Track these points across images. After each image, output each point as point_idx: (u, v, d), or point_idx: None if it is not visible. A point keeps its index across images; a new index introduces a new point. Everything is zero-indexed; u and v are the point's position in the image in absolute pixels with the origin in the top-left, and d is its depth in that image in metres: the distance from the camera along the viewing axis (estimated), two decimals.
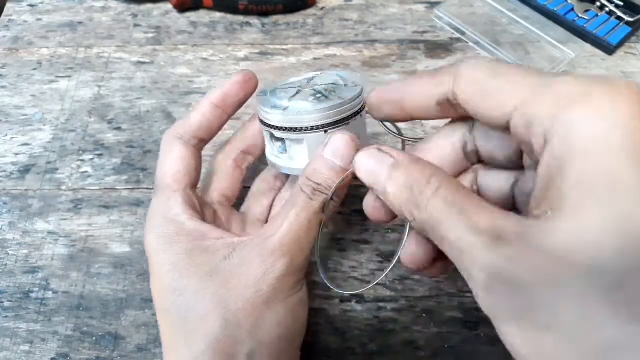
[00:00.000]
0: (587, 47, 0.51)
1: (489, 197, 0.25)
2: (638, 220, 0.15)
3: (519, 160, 0.23)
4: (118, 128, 0.48)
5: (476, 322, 0.37)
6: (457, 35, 0.53)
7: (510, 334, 0.18)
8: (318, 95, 0.30)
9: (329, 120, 0.29)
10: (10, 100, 0.50)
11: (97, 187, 0.44)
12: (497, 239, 0.18)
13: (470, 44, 0.52)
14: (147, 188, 0.44)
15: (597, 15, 0.52)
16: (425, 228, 0.21)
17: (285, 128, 0.29)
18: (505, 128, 0.20)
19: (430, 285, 0.39)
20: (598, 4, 0.53)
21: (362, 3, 0.56)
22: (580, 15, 0.52)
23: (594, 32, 0.51)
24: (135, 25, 0.55)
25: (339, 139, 0.27)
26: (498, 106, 0.19)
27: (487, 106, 0.20)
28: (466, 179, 0.26)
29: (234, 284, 0.26)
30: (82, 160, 0.46)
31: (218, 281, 0.27)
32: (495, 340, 0.36)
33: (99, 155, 0.46)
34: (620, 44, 0.51)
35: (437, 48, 0.52)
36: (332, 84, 0.31)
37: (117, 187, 0.44)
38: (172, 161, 0.31)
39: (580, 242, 0.15)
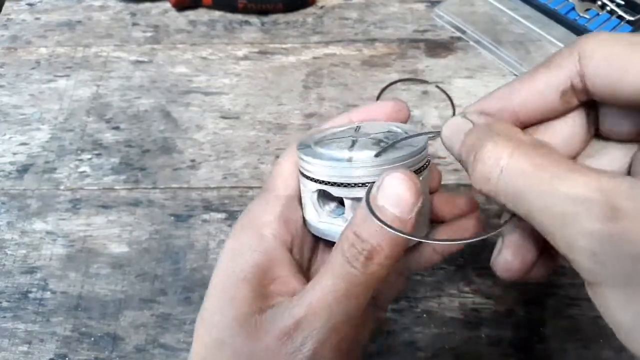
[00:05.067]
0: None
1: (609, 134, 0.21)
2: None
3: None
4: (117, 128, 0.47)
5: (477, 323, 0.37)
6: (458, 34, 0.53)
7: (615, 300, 0.16)
8: (382, 144, 0.24)
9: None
10: (9, 99, 0.49)
11: (95, 187, 0.44)
12: (608, 206, 0.15)
13: (471, 43, 0.52)
14: (145, 188, 0.44)
15: (598, 14, 0.52)
16: (508, 200, 0.18)
17: (348, 184, 0.23)
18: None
19: (431, 286, 0.39)
20: (599, 3, 0.53)
21: (362, 2, 0.56)
22: (581, 14, 0.52)
23: (595, 31, 0.51)
24: (134, 24, 0.55)
25: (397, 180, 0.21)
26: (634, 86, 0.17)
27: (624, 84, 0.17)
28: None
29: (252, 346, 0.22)
30: (80, 160, 0.46)
31: (244, 334, 0.23)
32: (495, 341, 0.36)
33: (98, 155, 0.46)
34: None
35: (437, 47, 0.52)
36: (388, 132, 0.26)
37: (116, 187, 0.44)
38: (287, 165, 0.27)
39: None
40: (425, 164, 0.25)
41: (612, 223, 0.15)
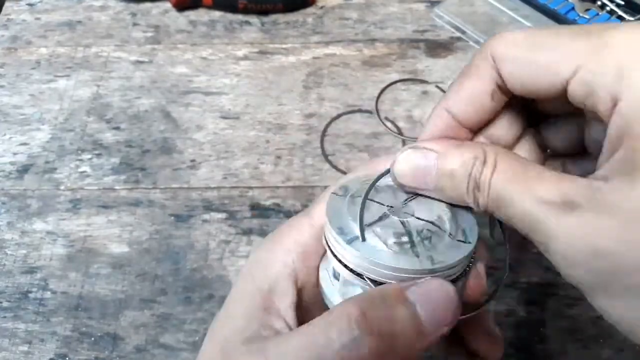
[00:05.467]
0: None
1: (556, 148, 0.24)
2: None
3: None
4: (117, 128, 0.47)
5: None
6: (458, 34, 0.53)
7: (601, 303, 0.17)
8: (404, 239, 0.21)
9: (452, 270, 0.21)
10: (9, 100, 0.50)
11: (95, 187, 0.44)
12: (569, 206, 0.17)
13: (471, 43, 0.52)
14: (145, 188, 0.44)
15: (598, 14, 0.52)
16: (492, 209, 0.19)
17: (357, 273, 0.21)
18: (563, 97, 0.19)
19: None
20: (599, 3, 0.53)
21: (362, 2, 0.56)
22: (581, 14, 0.52)
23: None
24: (134, 24, 0.55)
25: (438, 292, 0.20)
26: (551, 80, 0.19)
27: (538, 83, 0.19)
28: (526, 139, 0.24)
29: None
30: (80, 160, 0.46)
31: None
32: None
33: (98, 155, 0.46)
34: None
35: (437, 47, 0.52)
36: (431, 224, 0.22)
37: (116, 187, 0.44)
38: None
39: None
40: (461, 274, 0.22)
41: (573, 222, 0.17)
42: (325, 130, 0.47)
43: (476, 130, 0.23)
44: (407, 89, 0.49)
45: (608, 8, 0.52)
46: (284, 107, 0.48)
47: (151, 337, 0.37)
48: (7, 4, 0.57)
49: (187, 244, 0.41)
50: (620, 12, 0.52)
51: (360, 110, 0.47)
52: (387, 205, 0.22)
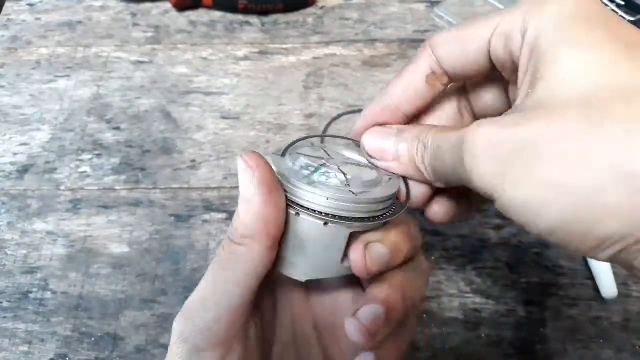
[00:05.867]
0: None
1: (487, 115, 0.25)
2: (606, 62, 0.17)
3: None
4: (117, 128, 0.47)
5: (477, 323, 0.37)
6: None
7: (507, 195, 0.18)
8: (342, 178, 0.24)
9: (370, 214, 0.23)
10: (9, 100, 0.50)
11: (95, 187, 0.44)
12: (493, 120, 0.19)
13: None
14: (145, 188, 0.44)
15: None
16: (435, 157, 0.22)
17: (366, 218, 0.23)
18: (488, 66, 0.22)
19: (431, 286, 0.39)
20: None
21: (362, 2, 0.56)
22: None
23: None
24: (134, 24, 0.55)
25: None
26: (477, 46, 0.22)
27: (466, 52, 0.22)
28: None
29: None
30: (80, 160, 0.46)
31: None
32: (496, 341, 0.36)
33: (98, 155, 0.46)
34: None
35: None
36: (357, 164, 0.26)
37: (116, 187, 0.44)
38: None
39: (567, 86, 0.17)
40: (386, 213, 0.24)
41: (495, 123, 0.19)
42: (325, 130, 0.46)
43: (412, 117, 0.26)
44: None
45: (608, 8, 0.52)
46: (284, 107, 0.48)
47: (151, 337, 0.37)
48: (7, 4, 0.57)
49: (187, 244, 0.41)
50: (620, 12, 0.52)
51: (360, 110, 0.47)
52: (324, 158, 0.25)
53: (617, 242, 0.16)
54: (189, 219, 0.42)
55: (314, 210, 0.22)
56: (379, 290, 0.23)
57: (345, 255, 0.23)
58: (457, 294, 0.38)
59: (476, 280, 0.39)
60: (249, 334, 0.24)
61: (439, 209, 0.26)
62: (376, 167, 0.26)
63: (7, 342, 0.37)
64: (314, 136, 0.29)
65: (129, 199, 0.43)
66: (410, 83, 0.24)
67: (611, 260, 0.17)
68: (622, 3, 0.52)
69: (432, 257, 0.40)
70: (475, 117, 0.26)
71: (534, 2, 0.20)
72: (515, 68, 0.21)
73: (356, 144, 0.27)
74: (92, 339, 0.37)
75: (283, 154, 0.25)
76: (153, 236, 0.41)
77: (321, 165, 0.24)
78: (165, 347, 0.37)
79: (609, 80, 0.17)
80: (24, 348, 0.37)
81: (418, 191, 0.25)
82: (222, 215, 0.42)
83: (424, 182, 0.24)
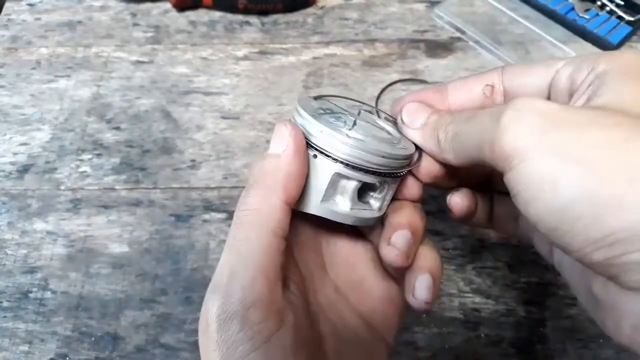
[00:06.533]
0: (588, 46, 0.51)
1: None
2: None
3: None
4: (117, 128, 0.47)
5: (476, 323, 0.37)
6: (458, 34, 0.53)
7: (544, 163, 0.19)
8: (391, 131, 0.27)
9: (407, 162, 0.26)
10: (9, 100, 0.50)
11: (96, 187, 0.44)
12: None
13: (471, 43, 0.52)
14: (146, 188, 0.44)
15: (598, 14, 0.52)
16: (467, 121, 0.23)
17: (393, 174, 0.25)
18: (544, 94, 0.24)
19: None
20: (599, 3, 0.53)
21: (362, 2, 0.56)
22: (581, 14, 0.52)
23: (594, 31, 0.51)
24: (135, 24, 0.55)
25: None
26: (545, 71, 0.24)
27: (533, 77, 0.25)
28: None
29: None
30: (81, 160, 0.46)
31: None
32: (496, 341, 0.36)
33: (98, 155, 0.46)
34: (621, 43, 0.51)
35: (437, 47, 0.52)
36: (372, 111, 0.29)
37: (116, 187, 0.44)
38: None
39: (612, 104, 0.19)
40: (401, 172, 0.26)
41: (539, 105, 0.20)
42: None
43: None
44: (407, 89, 0.49)
45: (608, 8, 0.52)
46: (284, 107, 0.48)
47: (151, 337, 0.37)
48: (7, 4, 0.57)
49: (188, 244, 0.41)
50: (620, 12, 0.52)
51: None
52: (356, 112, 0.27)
53: (619, 242, 0.16)
54: (189, 219, 0.42)
55: (309, 141, 0.24)
56: (401, 217, 0.25)
57: (330, 195, 0.25)
58: (457, 294, 0.38)
59: (476, 280, 0.39)
60: (292, 300, 0.23)
61: (460, 201, 0.28)
62: (400, 138, 0.27)
63: (7, 342, 0.37)
64: (357, 101, 0.30)
65: (129, 199, 0.43)
66: (469, 84, 0.27)
67: (599, 265, 0.17)
68: (622, 3, 0.52)
69: None
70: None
71: (608, 53, 0.23)
72: (564, 97, 0.23)
73: (390, 117, 0.29)
74: (93, 338, 0.37)
75: (316, 98, 0.28)
76: (153, 236, 0.41)
77: (341, 113, 0.27)
78: (165, 346, 0.37)
79: None
80: (25, 348, 0.37)
81: (428, 166, 0.26)
82: (222, 215, 0.42)
83: (437, 158, 0.25)
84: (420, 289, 0.24)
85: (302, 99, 0.26)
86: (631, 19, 0.51)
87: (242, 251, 0.21)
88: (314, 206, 0.25)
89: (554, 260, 0.26)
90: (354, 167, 0.24)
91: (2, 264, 0.40)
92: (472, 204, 0.28)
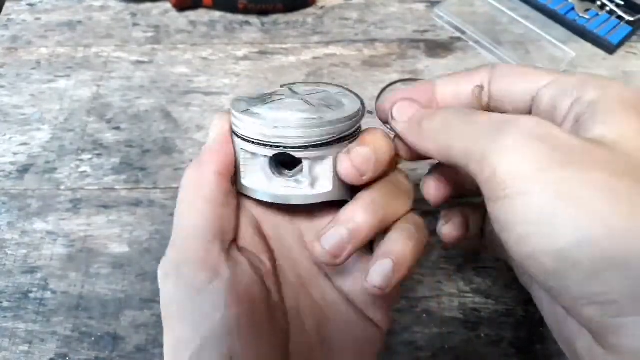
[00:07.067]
0: (588, 46, 0.51)
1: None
2: None
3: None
4: (117, 128, 0.47)
5: (477, 323, 0.37)
6: (458, 34, 0.53)
7: (532, 194, 0.18)
8: (317, 103, 0.26)
9: (350, 131, 0.25)
10: (9, 100, 0.50)
11: (96, 187, 0.44)
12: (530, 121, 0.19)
13: (471, 43, 0.52)
14: (146, 188, 0.44)
15: (597, 14, 0.52)
16: (445, 125, 0.22)
17: (310, 145, 0.24)
18: (526, 108, 0.24)
19: (431, 286, 0.39)
20: (599, 3, 0.53)
21: (362, 2, 0.56)
22: (581, 14, 0.52)
23: (594, 31, 0.51)
24: (135, 24, 0.55)
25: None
26: (528, 85, 0.23)
27: (518, 86, 0.24)
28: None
29: None
30: (81, 160, 0.46)
31: None
32: (495, 341, 0.36)
33: (98, 155, 0.46)
34: (621, 43, 0.51)
35: (437, 47, 0.52)
36: (323, 91, 0.28)
37: (116, 187, 0.44)
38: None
39: (611, 140, 0.19)
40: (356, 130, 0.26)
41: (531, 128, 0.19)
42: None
43: None
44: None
45: (608, 8, 0.52)
46: None
47: (151, 337, 0.37)
48: (7, 4, 0.57)
49: None
50: (620, 12, 0.52)
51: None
52: (283, 96, 0.27)
53: (616, 303, 0.16)
54: None
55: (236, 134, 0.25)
56: (347, 211, 0.24)
57: (248, 173, 0.26)
58: (457, 294, 0.38)
59: (476, 280, 0.39)
60: (239, 260, 0.25)
61: (452, 230, 0.28)
62: (338, 115, 0.25)
63: (7, 342, 0.37)
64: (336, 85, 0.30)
65: (129, 199, 0.43)
66: (458, 82, 0.26)
67: (589, 320, 0.17)
68: (622, 3, 0.52)
69: (432, 258, 0.40)
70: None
71: (593, 79, 0.21)
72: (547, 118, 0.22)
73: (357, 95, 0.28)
74: (93, 338, 0.37)
75: (282, 86, 0.29)
76: (153, 236, 0.41)
77: (278, 95, 0.27)
78: None
79: None
80: (25, 348, 0.37)
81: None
82: None
83: (415, 145, 0.24)
84: (374, 273, 0.23)
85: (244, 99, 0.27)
86: (631, 19, 0.51)
87: (179, 219, 0.25)
88: (239, 185, 0.26)
89: (534, 295, 0.25)
90: (251, 142, 0.24)
91: (2, 264, 0.40)
92: (464, 228, 0.28)
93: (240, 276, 0.24)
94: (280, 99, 0.26)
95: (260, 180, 0.25)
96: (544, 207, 0.17)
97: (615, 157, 0.18)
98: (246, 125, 0.24)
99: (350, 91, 0.28)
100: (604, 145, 0.18)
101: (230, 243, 0.25)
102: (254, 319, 0.23)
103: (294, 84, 0.29)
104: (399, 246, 0.24)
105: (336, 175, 0.25)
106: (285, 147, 0.24)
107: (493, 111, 0.25)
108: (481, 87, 0.25)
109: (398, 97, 0.26)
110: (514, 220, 0.18)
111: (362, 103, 0.27)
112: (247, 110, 0.25)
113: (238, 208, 0.26)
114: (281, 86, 0.29)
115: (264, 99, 0.26)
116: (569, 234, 0.16)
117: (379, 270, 0.23)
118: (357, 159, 0.24)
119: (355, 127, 0.25)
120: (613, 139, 0.19)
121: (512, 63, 0.25)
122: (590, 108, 0.20)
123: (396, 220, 0.25)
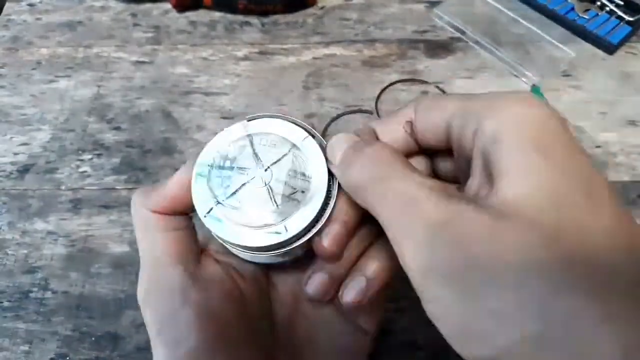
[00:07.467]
0: (588, 46, 0.51)
1: (446, 178, 0.26)
2: (567, 183, 0.17)
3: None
4: (117, 128, 0.48)
5: None
6: (458, 34, 0.53)
7: (444, 298, 0.19)
8: (282, 198, 0.24)
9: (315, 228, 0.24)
10: (10, 100, 0.50)
11: (96, 187, 0.44)
12: (448, 196, 0.19)
13: (471, 43, 0.52)
14: None
15: (597, 15, 0.52)
16: (363, 183, 0.21)
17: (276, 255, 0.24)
18: (444, 140, 0.23)
19: None
20: (598, 3, 0.53)
21: (362, 2, 0.56)
22: (580, 15, 0.52)
23: (594, 31, 0.51)
24: (135, 25, 0.55)
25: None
26: (439, 116, 0.22)
27: (433, 119, 0.23)
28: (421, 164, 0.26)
29: None
30: (81, 160, 0.46)
31: None
32: None
33: (99, 155, 0.46)
34: (621, 43, 0.51)
35: (437, 48, 0.52)
36: (284, 156, 0.25)
37: (117, 187, 0.44)
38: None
39: (522, 203, 0.17)
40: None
41: (448, 208, 0.18)
42: (325, 130, 0.47)
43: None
44: (407, 90, 0.49)
45: (607, 8, 0.52)
46: (284, 107, 0.48)
47: None
48: (7, 5, 0.57)
49: None
50: (619, 13, 0.52)
51: (360, 111, 0.48)
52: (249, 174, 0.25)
53: None
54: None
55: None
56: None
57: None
58: None
59: None
60: (209, 277, 0.26)
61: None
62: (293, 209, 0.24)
63: (7, 342, 0.37)
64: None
65: (130, 199, 0.43)
66: (388, 123, 0.25)
67: None
68: (622, 3, 0.52)
69: None
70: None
71: (491, 99, 0.20)
72: (458, 154, 0.22)
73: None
74: (93, 338, 0.37)
75: (250, 120, 0.26)
76: None
77: (242, 169, 0.25)
78: None
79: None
80: (25, 348, 0.37)
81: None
82: None
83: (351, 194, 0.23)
84: (347, 289, 0.24)
85: (212, 146, 0.25)
86: (631, 19, 0.51)
87: (140, 249, 0.27)
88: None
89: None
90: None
91: (3, 264, 0.40)
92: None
93: (212, 294, 0.24)
94: (243, 185, 0.24)
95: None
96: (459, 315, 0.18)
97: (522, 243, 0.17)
98: (211, 231, 0.25)
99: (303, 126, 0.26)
100: (510, 224, 0.17)
101: (201, 257, 0.26)
102: (230, 338, 0.24)
103: (257, 123, 0.26)
104: (374, 263, 0.24)
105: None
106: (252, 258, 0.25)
107: (420, 145, 0.24)
108: (410, 123, 0.24)
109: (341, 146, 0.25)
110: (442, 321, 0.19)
111: (311, 132, 0.26)
112: (210, 211, 0.24)
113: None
114: (247, 120, 0.26)
115: (227, 175, 0.25)
116: (453, 323, 0.19)
117: (353, 286, 0.24)
118: (331, 245, 0.24)
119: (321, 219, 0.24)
120: (515, 202, 0.17)
121: (428, 97, 0.24)
122: (492, 146, 0.19)
123: (374, 238, 0.25)
